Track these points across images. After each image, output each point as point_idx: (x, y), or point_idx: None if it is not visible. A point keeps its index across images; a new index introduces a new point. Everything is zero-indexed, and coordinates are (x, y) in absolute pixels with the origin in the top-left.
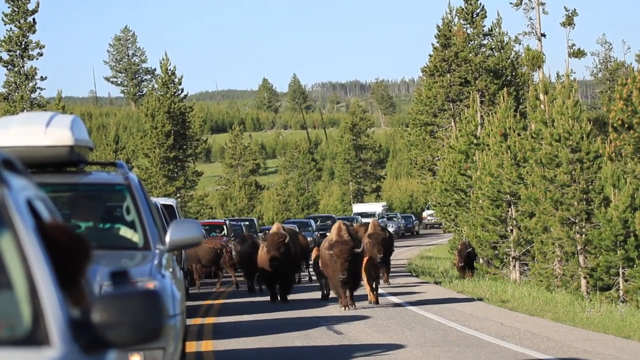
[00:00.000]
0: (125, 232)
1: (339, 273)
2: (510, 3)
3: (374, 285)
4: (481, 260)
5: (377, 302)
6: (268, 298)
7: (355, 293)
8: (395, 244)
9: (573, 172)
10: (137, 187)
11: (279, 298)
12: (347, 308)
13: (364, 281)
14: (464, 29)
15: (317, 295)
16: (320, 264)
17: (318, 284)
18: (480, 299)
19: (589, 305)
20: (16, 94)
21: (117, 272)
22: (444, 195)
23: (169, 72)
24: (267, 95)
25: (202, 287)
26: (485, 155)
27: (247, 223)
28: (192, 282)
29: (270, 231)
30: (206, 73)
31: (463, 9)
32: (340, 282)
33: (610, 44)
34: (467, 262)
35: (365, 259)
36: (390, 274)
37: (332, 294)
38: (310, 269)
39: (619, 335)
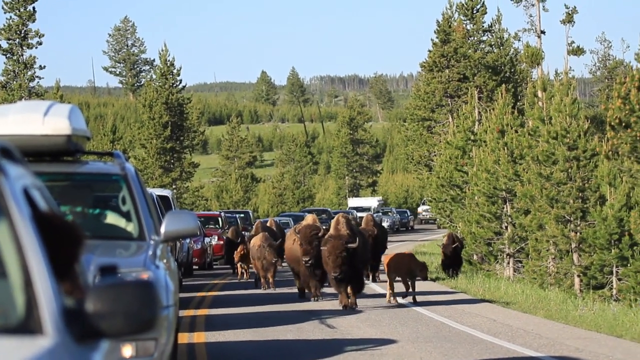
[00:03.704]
0: (114, 218)
1: (331, 270)
2: (511, 0)
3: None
4: (475, 257)
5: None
6: (260, 291)
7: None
8: (390, 238)
9: (569, 170)
10: (133, 178)
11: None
12: (346, 307)
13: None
14: (464, 25)
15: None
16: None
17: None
18: (474, 296)
19: (581, 304)
20: (14, 82)
21: (107, 266)
22: (439, 191)
23: (168, 63)
24: (265, 87)
25: (195, 279)
26: (482, 151)
27: (242, 215)
28: (186, 273)
29: (303, 223)
30: (205, 65)
31: (463, 4)
32: (334, 280)
33: (610, 42)
34: (453, 258)
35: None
36: (382, 269)
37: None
38: None
39: (611, 334)
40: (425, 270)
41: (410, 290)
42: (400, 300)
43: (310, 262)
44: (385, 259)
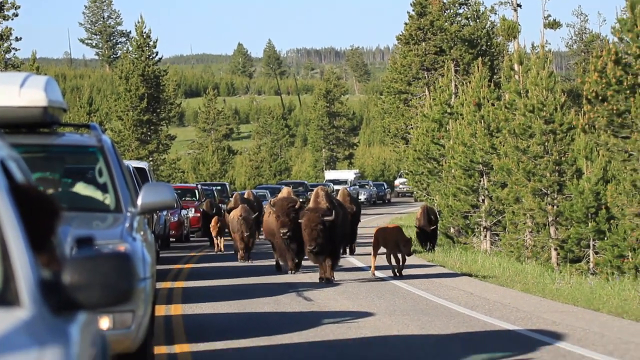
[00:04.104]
0: (90, 190)
1: (307, 244)
2: None
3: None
4: (452, 230)
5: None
6: (238, 263)
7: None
8: (367, 211)
9: (546, 144)
10: (109, 150)
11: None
12: (322, 280)
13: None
14: None
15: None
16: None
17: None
18: (451, 269)
19: (558, 277)
20: None
21: (83, 238)
22: (416, 164)
23: (144, 35)
24: (241, 60)
25: (172, 252)
26: (459, 124)
27: (219, 188)
28: (163, 246)
29: (279, 196)
30: (181, 37)
31: None
32: (310, 253)
33: (586, 16)
34: (429, 232)
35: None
36: (360, 242)
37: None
38: None
39: (588, 308)
40: (409, 246)
41: (398, 263)
42: (379, 274)
43: (287, 234)
44: (375, 231)
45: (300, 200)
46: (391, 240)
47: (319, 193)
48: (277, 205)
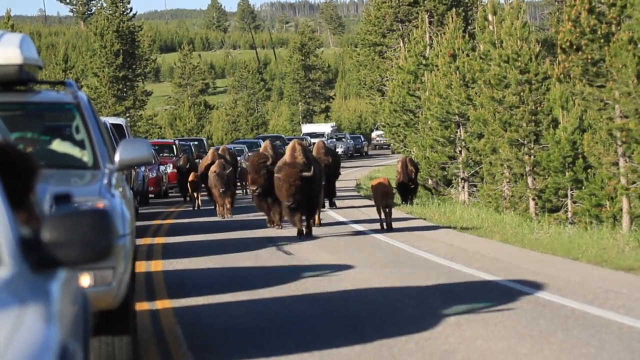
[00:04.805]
0: (68, 147)
1: (285, 200)
2: None
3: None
4: (430, 182)
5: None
6: (217, 219)
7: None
8: (345, 164)
9: (522, 94)
10: (86, 106)
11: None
12: (301, 235)
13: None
14: None
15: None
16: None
17: None
18: (430, 221)
19: (537, 227)
20: None
21: (62, 195)
22: (392, 116)
23: None
24: (216, 14)
25: (151, 207)
26: (434, 76)
27: (196, 143)
28: (142, 202)
29: (255, 152)
30: None
31: None
32: (288, 209)
33: None
34: (408, 184)
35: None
36: (339, 196)
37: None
38: None
39: (567, 257)
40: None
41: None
42: (358, 227)
43: (257, 190)
44: (373, 183)
45: (271, 155)
46: (389, 193)
47: (296, 147)
48: (249, 161)
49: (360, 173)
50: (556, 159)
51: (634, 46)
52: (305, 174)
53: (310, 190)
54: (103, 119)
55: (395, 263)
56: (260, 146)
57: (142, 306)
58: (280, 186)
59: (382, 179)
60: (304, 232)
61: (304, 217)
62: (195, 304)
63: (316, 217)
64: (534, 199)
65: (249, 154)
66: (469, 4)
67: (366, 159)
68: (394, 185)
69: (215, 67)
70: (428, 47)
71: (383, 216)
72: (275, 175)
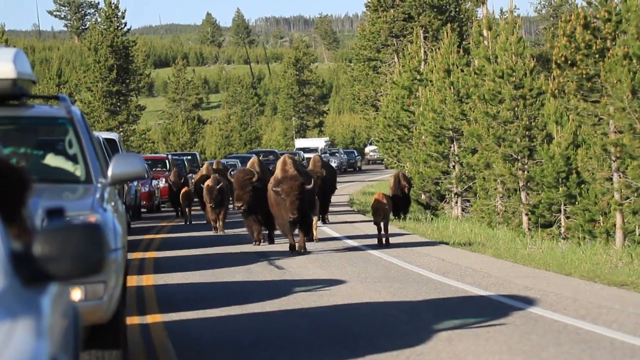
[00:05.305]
0: (60, 162)
1: (289, 212)
2: None
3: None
4: (423, 197)
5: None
6: (209, 233)
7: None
8: (338, 179)
9: (516, 109)
10: (79, 121)
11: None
12: (293, 249)
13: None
14: None
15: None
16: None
17: None
18: (423, 236)
19: (530, 242)
20: None
21: (54, 209)
22: (386, 131)
23: (112, 5)
24: (210, 29)
25: (143, 222)
26: (429, 91)
27: (189, 157)
28: (134, 216)
29: (241, 169)
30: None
31: None
32: (289, 222)
33: None
34: (402, 199)
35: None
36: (331, 211)
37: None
38: None
39: (560, 272)
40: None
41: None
42: (351, 243)
43: (242, 207)
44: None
45: (257, 172)
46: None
47: (287, 161)
48: (234, 177)
49: (354, 188)
50: (550, 174)
51: (629, 61)
52: (307, 186)
53: (308, 203)
54: (96, 133)
55: (387, 278)
56: None
57: (132, 320)
58: (280, 200)
59: (378, 194)
60: (296, 248)
61: (296, 232)
62: (186, 318)
63: (314, 232)
64: (527, 214)
65: (233, 172)
66: (464, 19)
67: (360, 174)
68: None
69: (209, 82)
70: (422, 62)
71: (383, 231)
72: (274, 189)
